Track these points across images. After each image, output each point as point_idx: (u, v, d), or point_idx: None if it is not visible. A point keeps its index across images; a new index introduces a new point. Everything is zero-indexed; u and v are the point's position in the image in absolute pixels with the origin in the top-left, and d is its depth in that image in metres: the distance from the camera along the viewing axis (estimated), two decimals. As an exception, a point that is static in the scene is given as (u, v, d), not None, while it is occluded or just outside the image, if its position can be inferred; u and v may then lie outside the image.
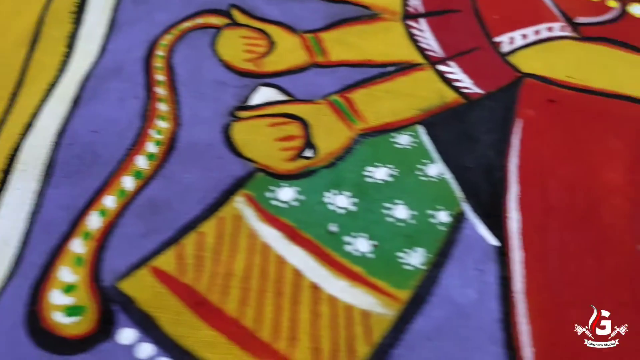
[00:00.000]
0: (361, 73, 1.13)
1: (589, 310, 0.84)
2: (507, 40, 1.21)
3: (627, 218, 0.94)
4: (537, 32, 1.23)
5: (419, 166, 0.99)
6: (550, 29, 1.23)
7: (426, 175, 0.98)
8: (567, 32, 1.22)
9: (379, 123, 1.05)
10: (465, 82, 1.13)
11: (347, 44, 1.18)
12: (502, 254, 0.89)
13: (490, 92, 1.11)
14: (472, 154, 1.02)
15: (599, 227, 0.93)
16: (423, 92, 1.10)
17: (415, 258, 0.88)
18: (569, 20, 1.25)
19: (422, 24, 1.23)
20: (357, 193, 0.95)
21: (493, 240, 0.91)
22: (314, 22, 1.21)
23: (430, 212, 0.93)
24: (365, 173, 0.98)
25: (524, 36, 1.22)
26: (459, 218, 0.93)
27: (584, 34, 1.22)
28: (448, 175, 0.98)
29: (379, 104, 1.08)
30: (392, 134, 1.04)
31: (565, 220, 0.93)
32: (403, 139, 1.03)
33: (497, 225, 0.92)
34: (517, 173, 0.99)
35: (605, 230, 0.92)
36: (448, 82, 1.12)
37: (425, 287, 0.85)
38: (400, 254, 0.88)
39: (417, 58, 1.17)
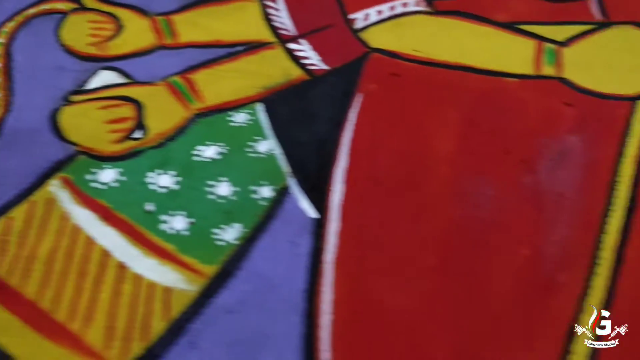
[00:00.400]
0: (208, 54, 1.12)
1: (394, 276, 0.84)
2: (362, 17, 1.21)
3: (451, 186, 0.95)
4: (392, 8, 1.22)
5: (249, 143, 0.99)
6: (405, 5, 1.23)
7: (255, 152, 0.98)
8: (422, 7, 1.23)
9: (218, 102, 1.04)
10: (313, 60, 1.13)
11: (198, 26, 1.17)
12: (320, 226, 0.89)
13: (336, 68, 1.11)
14: (307, 129, 1.02)
15: (421, 196, 0.93)
16: (268, 70, 1.10)
17: (230, 234, 0.88)
18: (426, -5, 1.25)
19: (279, 2, 1.22)
20: (182, 172, 0.94)
21: (313, 213, 0.91)
22: (168, 5, 1.19)
23: (253, 188, 0.93)
24: (195, 152, 0.97)
25: (379, 12, 1.22)
26: (282, 193, 0.93)
27: (437, 8, 1.23)
28: (278, 151, 0.98)
29: (220, 83, 1.07)
30: (230, 113, 1.03)
31: (389, 190, 0.94)
32: (240, 117, 1.03)
33: (321, 198, 0.93)
34: (348, 146, 0.99)
35: (426, 198, 0.93)
36: (296, 59, 1.12)
37: (233, 261, 0.84)
38: (216, 231, 0.88)
39: (269, 37, 1.16)
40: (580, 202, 0.93)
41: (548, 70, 1.11)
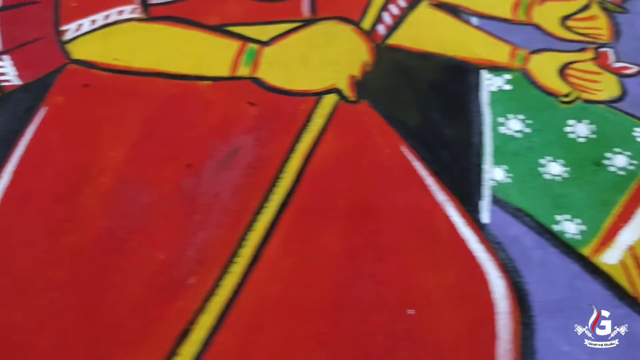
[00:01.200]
0: None
1: (16, 295, 0.84)
2: (75, 28, 1.19)
3: (107, 196, 0.94)
4: (107, 17, 1.21)
5: None
6: (120, 12, 1.22)
7: None
8: (137, 14, 1.22)
9: None
10: (10, 76, 1.11)
11: None
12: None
13: (28, 83, 1.10)
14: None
15: (73, 209, 0.92)
16: (-44, 90, 1.08)
17: None
18: (144, 2, 1.25)
19: (-4, 20, 1.21)
20: None
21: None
22: None
23: None
24: None
25: (93, 22, 1.20)
26: None
27: (152, 14, 1.22)
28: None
29: None
30: None
31: (41, 206, 0.93)
32: None
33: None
34: (15, 163, 0.98)
35: (77, 211, 0.92)
36: (-9, 77, 1.11)
37: None
38: None
39: (-30, 55, 1.14)
40: (235, 201, 0.95)
41: (243, 70, 1.12)
